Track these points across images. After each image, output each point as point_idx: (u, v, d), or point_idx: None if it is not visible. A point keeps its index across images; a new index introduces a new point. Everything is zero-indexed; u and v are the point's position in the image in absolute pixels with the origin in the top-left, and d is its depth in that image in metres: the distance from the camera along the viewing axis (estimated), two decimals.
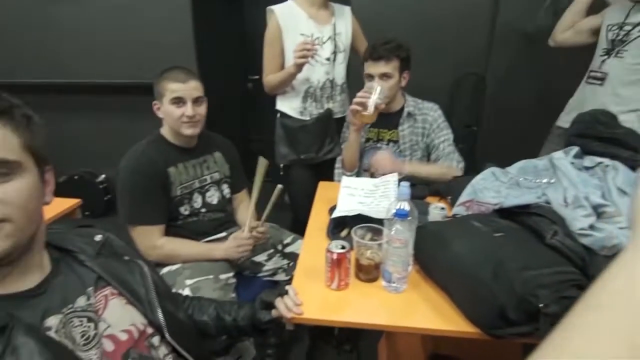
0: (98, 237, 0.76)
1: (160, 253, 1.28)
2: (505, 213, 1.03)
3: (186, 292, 1.18)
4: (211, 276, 1.25)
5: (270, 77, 1.66)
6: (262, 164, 1.30)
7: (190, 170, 1.35)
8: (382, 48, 1.47)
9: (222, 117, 2.78)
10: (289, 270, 1.46)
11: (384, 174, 1.32)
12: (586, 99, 1.73)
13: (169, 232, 1.32)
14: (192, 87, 1.27)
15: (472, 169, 2.49)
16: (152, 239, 1.27)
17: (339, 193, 1.31)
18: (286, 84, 1.66)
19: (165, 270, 1.30)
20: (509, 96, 2.42)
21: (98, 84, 2.71)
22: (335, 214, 1.18)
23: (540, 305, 0.78)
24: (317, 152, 1.75)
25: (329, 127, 1.74)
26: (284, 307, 0.86)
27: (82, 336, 0.61)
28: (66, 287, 0.64)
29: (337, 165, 1.74)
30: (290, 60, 1.59)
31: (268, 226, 1.42)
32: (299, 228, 1.60)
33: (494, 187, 1.10)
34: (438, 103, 1.65)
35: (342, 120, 1.80)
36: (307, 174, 1.79)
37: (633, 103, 1.61)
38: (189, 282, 1.22)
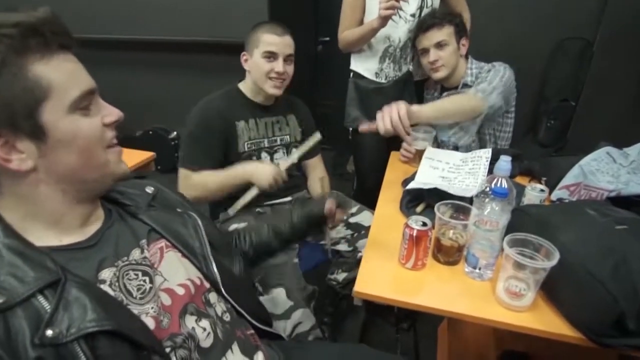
0: (150, 189, 0.74)
1: (191, 186, 1.23)
2: (623, 202, 0.86)
3: None
4: None
5: (347, 32, 1.52)
6: (314, 137, 1.24)
7: (260, 128, 1.32)
8: (430, 17, 1.41)
9: (291, 80, 2.73)
10: (352, 241, 1.40)
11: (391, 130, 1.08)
12: None
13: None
14: (287, 43, 1.24)
15: (562, 148, 2.22)
16: (188, 179, 1.24)
17: (420, 163, 1.19)
18: (365, 40, 1.51)
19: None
20: (619, 69, 2.06)
21: (171, 41, 2.76)
22: (412, 185, 1.08)
23: None
24: None
25: (407, 90, 1.60)
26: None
27: (138, 290, 0.59)
28: (119, 240, 0.63)
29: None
30: (370, 16, 1.45)
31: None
32: (361, 198, 1.52)
33: (611, 171, 0.92)
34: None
35: (421, 83, 1.64)
36: (377, 140, 1.67)
37: None
38: None
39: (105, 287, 0.56)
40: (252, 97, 1.31)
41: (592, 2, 2.01)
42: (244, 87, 1.32)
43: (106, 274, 0.57)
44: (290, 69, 1.27)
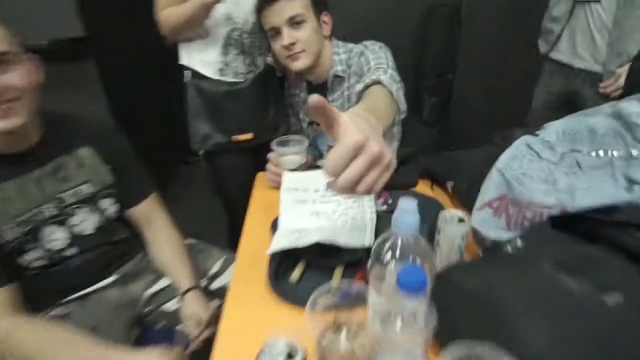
0: None
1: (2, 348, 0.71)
2: (572, 222, 0.58)
3: None
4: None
5: (168, 11, 1.02)
6: None
7: (29, 192, 0.78)
8: None
9: (136, 92, 2.06)
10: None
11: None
12: (582, 23, 1.38)
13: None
14: None
15: (446, 129, 2.08)
16: None
17: (281, 199, 0.80)
18: (197, 21, 1.03)
19: None
20: (490, 33, 1.96)
21: None
22: (274, 248, 0.67)
23: None
24: (256, 131, 1.19)
25: (270, 91, 1.18)
26: None
27: None
28: None
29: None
30: None
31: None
32: (236, 237, 1.08)
33: (542, 173, 0.64)
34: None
35: (282, 80, 1.25)
36: (241, 162, 1.22)
37: None
38: None
39: None
40: None
41: None
42: None
43: None
44: (7, 78, 0.69)
